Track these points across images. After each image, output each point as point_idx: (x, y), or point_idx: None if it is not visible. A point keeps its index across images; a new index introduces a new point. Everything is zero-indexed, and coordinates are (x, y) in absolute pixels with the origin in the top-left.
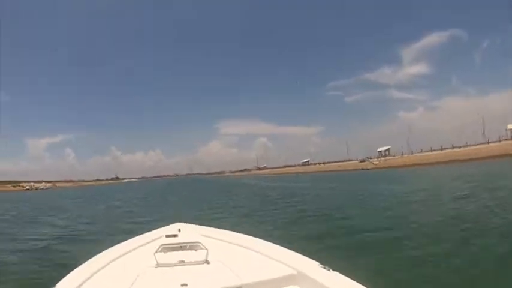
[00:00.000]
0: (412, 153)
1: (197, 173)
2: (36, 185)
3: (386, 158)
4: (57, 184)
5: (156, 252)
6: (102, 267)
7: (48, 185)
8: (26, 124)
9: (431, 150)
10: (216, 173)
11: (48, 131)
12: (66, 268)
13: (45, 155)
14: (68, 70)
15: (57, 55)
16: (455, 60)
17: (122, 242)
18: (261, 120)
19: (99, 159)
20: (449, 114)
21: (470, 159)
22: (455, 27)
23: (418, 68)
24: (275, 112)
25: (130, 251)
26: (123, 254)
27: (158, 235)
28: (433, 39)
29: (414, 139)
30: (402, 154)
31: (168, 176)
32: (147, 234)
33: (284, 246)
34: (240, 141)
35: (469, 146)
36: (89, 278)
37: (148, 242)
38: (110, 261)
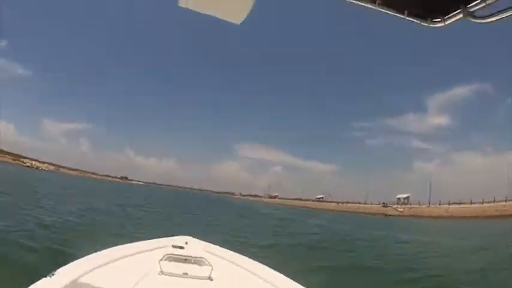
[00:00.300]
0: (440, 204)
1: (208, 190)
2: (38, 164)
3: (412, 206)
4: (61, 169)
5: (161, 260)
6: (106, 263)
7: (51, 167)
8: (47, 104)
9: (460, 203)
10: (227, 193)
11: (67, 117)
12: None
13: (61, 139)
14: (96, 61)
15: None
16: (479, 114)
17: (126, 244)
18: (278, 148)
19: (112, 156)
20: (466, 169)
21: (505, 215)
22: (483, 81)
23: (441, 119)
24: (294, 143)
25: (135, 253)
26: (128, 255)
27: (164, 244)
28: (460, 91)
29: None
30: (429, 204)
31: (177, 186)
32: (153, 240)
33: (289, 277)
34: (255, 165)
35: (498, 201)
36: (90, 271)
37: (153, 249)
38: (114, 260)
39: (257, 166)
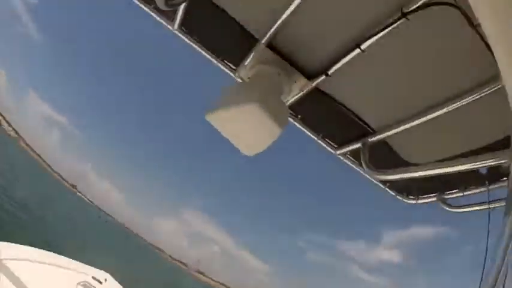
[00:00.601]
0: None
1: (143, 238)
2: (5, 123)
3: None
4: (22, 143)
5: (78, 284)
6: (31, 260)
7: (15, 135)
8: (42, 78)
9: None
10: (159, 248)
11: (53, 102)
12: None
13: (37, 117)
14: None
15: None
16: (432, 257)
17: (47, 250)
18: (226, 230)
19: (74, 163)
20: None
21: None
22: (447, 224)
23: (392, 255)
24: (242, 231)
25: (58, 266)
26: (51, 264)
27: (86, 270)
28: (420, 231)
29: None
30: None
31: (115, 219)
32: (78, 263)
33: None
34: (196, 235)
35: None
36: (14, 259)
37: (76, 270)
38: (38, 261)
39: (198, 237)
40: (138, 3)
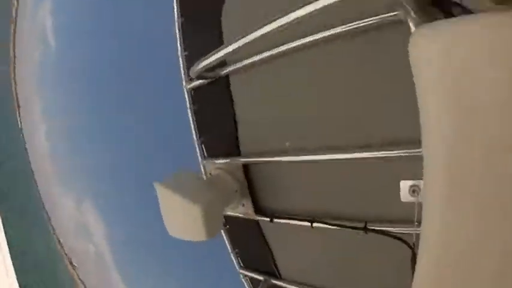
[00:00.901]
0: None
1: (41, 197)
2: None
3: None
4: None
5: None
6: None
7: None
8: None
9: None
10: (47, 214)
11: (57, 22)
12: None
13: (36, 28)
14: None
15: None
16: None
17: None
18: (111, 242)
19: (36, 93)
20: None
21: None
22: None
23: None
24: (125, 254)
25: None
26: None
27: None
28: None
29: None
30: None
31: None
32: None
33: None
34: (82, 227)
35: None
36: None
37: None
38: None
39: (84, 231)
40: (178, 43)
